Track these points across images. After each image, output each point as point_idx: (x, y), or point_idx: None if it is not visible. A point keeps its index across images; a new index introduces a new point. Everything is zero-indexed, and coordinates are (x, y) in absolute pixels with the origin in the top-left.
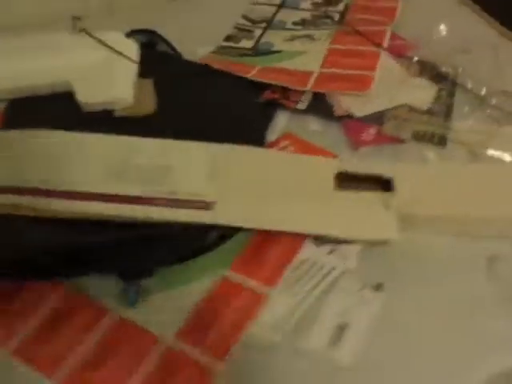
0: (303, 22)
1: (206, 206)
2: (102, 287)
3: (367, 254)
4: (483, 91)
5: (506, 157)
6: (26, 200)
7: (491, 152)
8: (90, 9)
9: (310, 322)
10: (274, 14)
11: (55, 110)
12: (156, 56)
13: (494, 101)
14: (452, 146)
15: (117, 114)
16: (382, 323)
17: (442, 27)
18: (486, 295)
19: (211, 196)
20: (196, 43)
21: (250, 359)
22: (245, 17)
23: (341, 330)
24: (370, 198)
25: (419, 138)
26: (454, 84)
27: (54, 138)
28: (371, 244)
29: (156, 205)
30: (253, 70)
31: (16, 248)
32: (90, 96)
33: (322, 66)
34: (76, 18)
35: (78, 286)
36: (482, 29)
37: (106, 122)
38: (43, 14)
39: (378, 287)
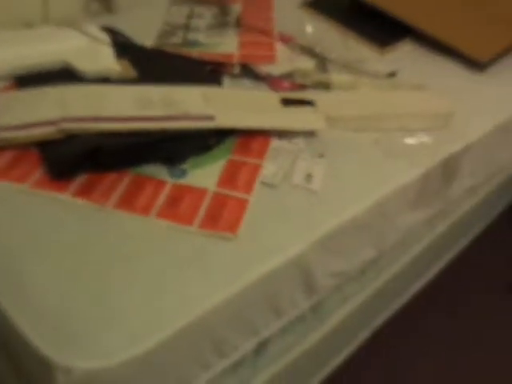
0: (212, 26)
1: (210, 117)
2: (156, 170)
3: (309, 141)
4: (342, 59)
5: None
6: (86, 125)
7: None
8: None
9: (291, 174)
10: (189, 21)
11: (58, 80)
12: (123, 44)
13: (352, 64)
14: (334, 90)
15: (112, 78)
16: (327, 172)
17: (309, 28)
18: (375, 154)
19: (210, 112)
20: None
21: (266, 193)
22: (166, 23)
23: (309, 176)
24: (303, 109)
25: (314, 85)
26: (324, 58)
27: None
28: (311, 134)
29: (176, 120)
30: (193, 53)
31: (98, 149)
32: (88, 67)
33: (239, 50)
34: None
35: (140, 172)
36: (326, 26)
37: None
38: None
39: (321, 156)
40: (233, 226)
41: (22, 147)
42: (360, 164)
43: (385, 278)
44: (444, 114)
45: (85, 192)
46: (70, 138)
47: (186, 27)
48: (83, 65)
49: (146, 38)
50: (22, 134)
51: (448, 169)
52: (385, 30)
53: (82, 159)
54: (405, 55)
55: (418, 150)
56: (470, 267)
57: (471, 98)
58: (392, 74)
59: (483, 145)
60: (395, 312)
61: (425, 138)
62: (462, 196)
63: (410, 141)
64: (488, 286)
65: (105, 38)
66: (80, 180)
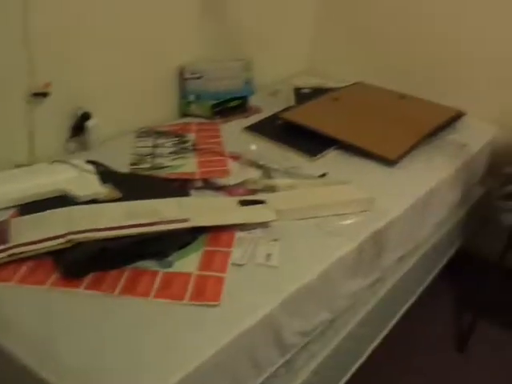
0: (174, 152)
1: (185, 220)
2: (149, 264)
3: (265, 230)
4: (282, 168)
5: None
6: (88, 235)
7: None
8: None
9: (254, 255)
10: (153, 151)
11: (57, 205)
12: (105, 172)
13: (291, 171)
14: (279, 191)
15: (100, 200)
16: (282, 252)
17: (253, 146)
18: (318, 235)
19: (185, 216)
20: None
21: (237, 271)
22: (135, 153)
23: (269, 255)
24: (257, 207)
25: (263, 189)
26: (268, 168)
27: (90, 207)
28: (265, 225)
29: (159, 224)
30: (162, 174)
31: (101, 251)
32: (80, 193)
33: (199, 168)
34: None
35: (136, 267)
36: (266, 143)
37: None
38: None
39: (276, 240)
40: (215, 297)
41: (38, 258)
42: (307, 243)
43: (342, 337)
44: (366, 199)
45: (94, 286)
46: (77, 245)
47: (153, 155)
48: (76, 191)
49: (120, 166)
50: (36, 247)
51: (377, 242)
52: (313, 142)
53: (88, 261)
54: (331, 160)
55: (351, 228)
56: (419, 328)
57: (388, 187)
58: (323, 175)
59: (403, 221)
60: (356, 369)
61: (355, 219)
62: (394, 265)
63: (343, 222)
64: (437, 344)
65: (90, 168)
66: (89, 278)
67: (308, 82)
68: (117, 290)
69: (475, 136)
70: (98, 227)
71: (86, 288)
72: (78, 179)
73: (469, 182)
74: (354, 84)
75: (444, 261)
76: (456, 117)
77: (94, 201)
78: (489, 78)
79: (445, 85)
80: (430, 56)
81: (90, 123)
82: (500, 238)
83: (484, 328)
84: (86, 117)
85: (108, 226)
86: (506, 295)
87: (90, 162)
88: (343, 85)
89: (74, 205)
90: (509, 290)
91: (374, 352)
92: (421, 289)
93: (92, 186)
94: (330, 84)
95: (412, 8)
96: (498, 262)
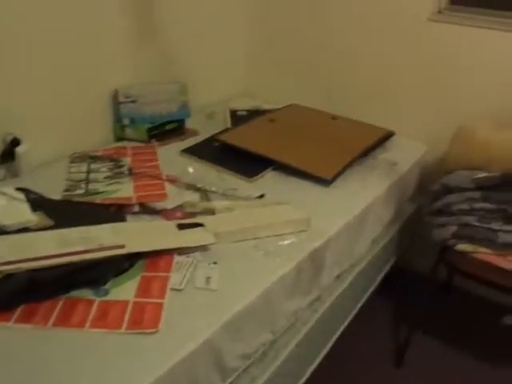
0: (109, 177)
1: (121, 246)
2: (84, 293)
3: (204, 254)
4: (220, 190)
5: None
6: (20, 265)
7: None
8: None
9: (193, 279)
10: (87, 176)
11: None
12: (36, 199)
13: (228, 193)
14: (217, 213)
15: (31, 228)
16: (222, 274)
17: (190, 169)
18: (256, 256)
19: (120, 242)
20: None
21: (176, 296)
22: (69, 179)
23: (208, 279)
24: (196, 230)
25: (202, 212)
26: (206, 190)
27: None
28: (204, 248)
29: (93, 251)
30: (97, 200)
31: (32, 281)
32: (10, 222)
33: (135, 193)
34: None
35: (71, 296)
36: (203, 166)
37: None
38: None
39: (215, 263)
40: (154, 324)
41: None
42: (246, 265)
43: (283, 359)
44: (303, 219)
45: (26, 318)
46: (6, 277)
47: (87, 180)
48: (4, 220)
49: (53, 193)
50: None
51: (315, 260)
52: (251, 164)
53: (18, 293)
54: (269, 181)
55: (289, 248)
56: (357, 343)
57: (324, 206)
58: (261, 196)
59: (339, 239)
60: None
61: (293, 239)
62: (332, 283)
63: (282, 243)
64: (375, 359)
65: (20, 196)
66: (20, 310)
67: (244, 104)
68: (50, 322)
69: (405, 155)
70: (29, 257)
71: (17, 321)
72: (7, 207)
73: (400, 199)
74: (288, 106)
75: (380, 277)
76: (386, 137)
77: (24, 229)
78: (415, 99)
79: (375, 106)
80: (360, 80)
81: (20, 149)
82: (431, 253)
83: (419, 341)
84: (15, 143)
85: (40, 256)
86: (439, 308)
87: (20, 189)
88: (278, 107)
89: (2, 234)
90: (441, 303)
91: (313, 370)
92: (359, 305)
93: (22, 214)
94: (266, 106)
95: (340, 35)
96: (430, 276)
